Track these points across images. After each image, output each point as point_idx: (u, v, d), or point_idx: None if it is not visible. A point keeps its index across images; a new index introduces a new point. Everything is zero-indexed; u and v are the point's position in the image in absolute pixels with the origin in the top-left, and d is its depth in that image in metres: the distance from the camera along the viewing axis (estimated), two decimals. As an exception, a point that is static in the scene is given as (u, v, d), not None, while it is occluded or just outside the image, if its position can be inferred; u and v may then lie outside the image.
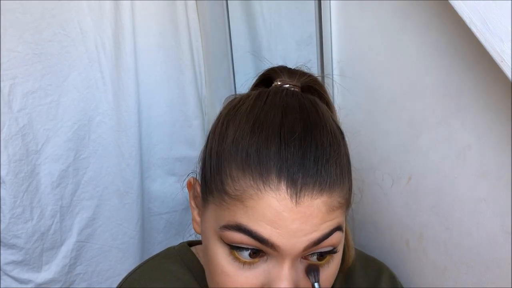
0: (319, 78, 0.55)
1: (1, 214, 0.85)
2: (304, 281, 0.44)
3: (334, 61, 0.73)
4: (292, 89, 0.50)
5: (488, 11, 0.41)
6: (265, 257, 0.43)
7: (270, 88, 0.50)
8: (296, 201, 0.40)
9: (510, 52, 0.39)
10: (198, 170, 0.51)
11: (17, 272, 0.89)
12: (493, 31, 0.40)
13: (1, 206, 0.85)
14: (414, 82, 0.58)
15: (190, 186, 0.53)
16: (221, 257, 0.44)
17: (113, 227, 1.00)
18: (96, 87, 0.94)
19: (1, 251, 0.87)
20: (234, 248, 0.43)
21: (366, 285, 0.59)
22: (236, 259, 0.43)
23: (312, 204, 0.41)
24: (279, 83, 0.51)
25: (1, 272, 0.88)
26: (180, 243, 0.60)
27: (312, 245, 0.42)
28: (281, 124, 0.43)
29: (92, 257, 0.99)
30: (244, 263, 0.43)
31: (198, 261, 0.56)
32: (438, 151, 0.56)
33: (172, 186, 1.05)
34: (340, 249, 0.47)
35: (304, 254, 0.43)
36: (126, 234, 1.00)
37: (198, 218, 0.51)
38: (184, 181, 0.54)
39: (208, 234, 0.46)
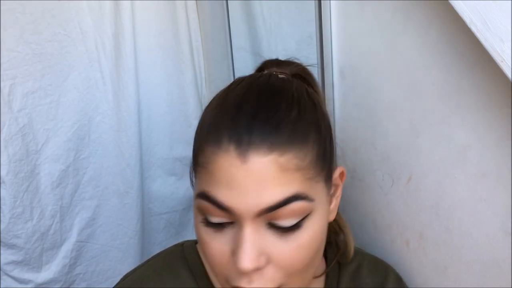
0: (313, 68, 0.58)
1: (1, 214, 0.86)
2: (273, 249, 0.44)
3: (334, 61, 0.73)
4: (280, 76, 0.52)
5: (488, 11, 0.40)
6: (233, 224, 0.45)
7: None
8: (243, 159, 0.42)
9: (510, 52, 0.39)
10: None
11: (17, 272, 0.89)
12: (493, 31, 0.40)
13: (1, 206, 0.85)
14: (414, 82, 0.58)
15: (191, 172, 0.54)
16: (199, 227, 0.47)
17: (113, 227, 1.00)
18: (96, 87, 0.94)
19: (1, 251, 0.87)
20: (206, 217, 0.46)
21: (372, 285, 0.59)
22: (209, 227, 0.46)
23: (260, 161, 0.42)
24: (266, 72, 0.53)
25: (1, 272, 0.88)
26: (189, 241, 0.60)
27: (265, 211, 0.43)
28: (241, 96, 0.46)
29: (92, 257, 0.99)
30: (215, 230, 0.46)
31: (200, 259, 0.57)
32: (438, 151, 0.56)
33: (172, 186, 1.06)
34: (310, 225, 0.46)
35: (266, 219, 0.44)
36: (126, 234, 1.00)
37: None
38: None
39: (193, 207, 0.49)
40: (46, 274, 0.92)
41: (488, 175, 0.50)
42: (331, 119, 0.57)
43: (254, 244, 0.44)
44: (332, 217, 0.53)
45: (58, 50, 0.88)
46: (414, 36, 0.57)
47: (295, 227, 0.44)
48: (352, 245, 0.58)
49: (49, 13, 0.86)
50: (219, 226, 0.45)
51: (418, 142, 0.59)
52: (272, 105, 0.45)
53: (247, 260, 0.43)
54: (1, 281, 0.88)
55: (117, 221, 1.00)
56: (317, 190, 0.46)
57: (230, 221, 0.45)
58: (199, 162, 0.47)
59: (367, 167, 0.69)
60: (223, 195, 0.43)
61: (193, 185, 0.51)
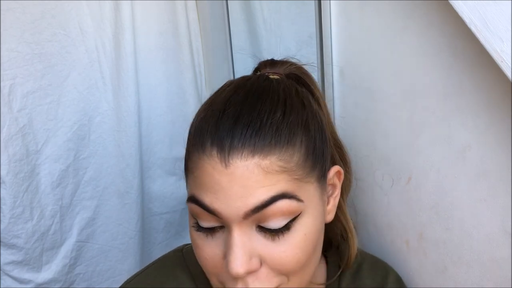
0: (310, 67, 0.58)
1: (1, 214, 0.86)
2: (264, 250, 0.44)
3: (334, 61, 0.73)
4: (271, 76, 0.51)
5: (488, 11, 0.41)
6: (223, 228, 0.45)
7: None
8: (226, 163, 0.42)
9: (510, 52, 0.39)
10: None
11: (17, 272, 0.89)
12: (493, 31, 0.40)
13: (1, 206, 0.85)
14: (414, 82, 0.58)
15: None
16: (193, 230, 0.47)
17: (113, 227, 1.00)
18: (96, 87, 0.94)
19: (1, 251, 0.87)
20: (197, 222, 0.46)
21: (372, 285, 0.59)
22: (201, 231, 0.46)
23: (243, 165, 0.42)
24: (258, 73, 0.54)
25: (1, 272, 0.88)
26: (188, 245, 0.60)
27: (251, 212, 0.42)
28: (226, 101, 0.46)
29: (92, 257, 0.99)
30: (207, 234, 0.46)
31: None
32: (438, 151, 0.56)
33: (172, 186, 1.06)
34: (301, 227, 0.45)
35: (254, 221, 0.43)
36: (126, 234, 1.00)
37: None
38: None
39: (188, 213, 0.49)
40: (46, 274, 0.92)
41: (488, 175, 0.50)
42: (331, 119, 0.57)
43: (244, 248, 0.43)
44: (330, 218, 0.52)
45: (58, 50, 0.88)
46: (414, 36, 0.57)
47: (285, 228, 0.44)
48: (354, 252, 0.58)
49: (49, 13, 0.86)
50: (210, 230, 0.46)
51: (418, 142, 0.59)
52: (255, 108, 0.45)
53: (238, 265, 0.43)
54: (1, 281, 0.88)
55: (117, 221, 0.99)
56: (308, 191, 0.46)
57: (220, 225, 0.45)
58: (188, 167, 0.47)
59: (367, 167, 0.69)
60: (209, 200, 0.43)
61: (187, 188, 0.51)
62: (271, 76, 0.51)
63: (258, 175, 0.42)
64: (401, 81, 0.60)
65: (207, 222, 0.45)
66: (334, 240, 0.59)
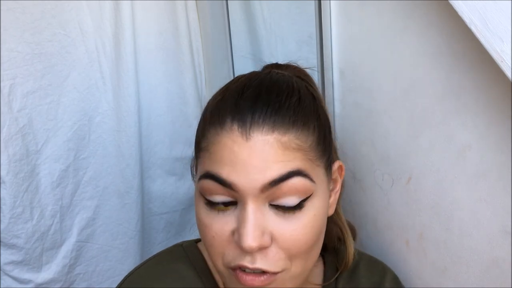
0: (313, 71, 0.60)
1: (1, 214, 0.85)
2: (275, 228, 0.45)
3: (334, 61, 0.73)
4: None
5: (488, 11, 0.41)
6: (236, 205, 0.46)
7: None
8: (246, 137, 0.44)
9: (510, 52, 0.39)
10: None
11: (17, 272, 0.89)
12: (493, 31, 0.40)
13: (1, 206, 0.85)
14: (414, 82, 0.58)
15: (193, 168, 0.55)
16: (201, 211, 0.48)
17: (113, 227, 1.00)
18: (96, 87, 0.94)
19: (1, 251, 0.87)
20: (209, 199, 0.46)
21: (369, 285, 0.60)
22: (212, 209, 0.47)
23: (263, 139, 0.44)
24: None
25: (1, 272, 0.88)
26: (188, 240, 0.60)
27: (268, 185, 0.44)
28: (244, 85, 0.48)
29: (92, 257, 0.99)
30: (218, 210, 0.46)
31: (203, 259, 0.56)
32: (438, 151, 0.56)
33: (172, 186, 1.06)
34: (312, 208, 0.46)
35: (268, 197, 0.44)
36: (126, 234, 1.00)
37: None
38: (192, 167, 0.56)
39: (195, 193, 0.50)
40: (46, 274, 0.92)
41: (488, 175, 0.50)
42: (331, 119, 0.57)
43: (257, 223, 0.44)
44: (331, 211, 0.53)
45: (58, 50, 0.88)
46: (414, 36, 0.57)
47: (298, 207, 0.45)
48: (352, 254, 0.58)
49: (49, 13, 0.86)
50: (222, 207, 0.46)
51: (418, 142, 0.59)
52: (272, 91, 0.47)
53: (251, 238, 0.43)
54: (1, 281, 0.88)
55: (117, 221, 0.99)
56: (318, 174, 0.47)
57: (233, 200, 0.46)
58: (201, 147, 0.48)
59: (367, 167, 0.69)
60: (227, 173, 0.44)
61: (194, 179, 0.52)
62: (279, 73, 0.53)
63: (277, 150, 0.44)
64: (401, 81, 0.60)
65: (220, 197, 0.46)
66: (331, 242, 0.60)
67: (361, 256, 0.62)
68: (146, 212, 1.03)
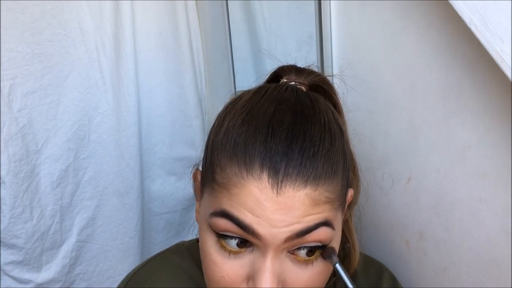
0: (329, 78, 0.55)
1: (1, 214, 0.86)
2: (290, 276, 0.44)
3: (334, 61, 0.73)
4: (298, 86, 0.50)
5: (488, 11, 0.41)
6: (251, 248, 0.43)
7: (272, 84, 0.50)
8: (277, 191, 0.40)
9: (510, 52, 0.39)
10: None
11: (17, 272, 0.89)
12: (493, 31, 0.40)
13: (1, 206, 0.85)
14: (414, 82, 0.58)
15: (195, 177, 0.52)
16: (210, 245, 0.44)
17: (113, 227, 1.00)
18: (96, 87, 0.94)
19: (1, 251, 0.87)
20: (221, 236, 0.43)
21: (367, 285, 0.59)
22: (223, 247, 0.43)
23: (294, 195, 0.40)
24: (285, 80, 0.51)
25: (1, 272, 0.88)
26: (189, 240, 0.59)
27: (294, 237, 0.41)
28: (272, 116, 0.43)
29: (92, 257, 0.99)
30: (230, 252, 0.43)
31: None
32: (438, 151, 0.56)
33: (172, 186, 1.06)
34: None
35: (288, 246, 0.43)
36: (126, 234, 1.00)
37: (199, 209, 0.52)
38: (190, 172, 0.54)
39: (201, 223, 0.47)
40: (46, 274, 0.92)
41: (488, 175, 0.50)
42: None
43: (275, 271, 0.42)
44: None
45: (58, 50, 0.88)
46: (414, 36, 0.57)
47: (316, 256, 0.44)
48: (357, 255, 0.57)
49: (49, 13, 0.86)
50: (236, 249, 0.43)
51: (418, 142, 0.59)
52: (306, 131, 0.43)
53: None
54: (1, 281, 0.88)
55: (117, 221, 1.00)
56: (338, 219, 0.46)
57: (249, 241, 0.43)
58: (216, 179, 0.43)
59: (367, 167, 0.69)
60: (250, 221, 0.41)
61: (193, 186, 0.50)
62: (298, 87, 0.50)
63: (308, 206, 0.41)
64: (401, 81, 0.60)
65: (234, 235, 0.43)
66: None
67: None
68: (146, 212, 1.03)
